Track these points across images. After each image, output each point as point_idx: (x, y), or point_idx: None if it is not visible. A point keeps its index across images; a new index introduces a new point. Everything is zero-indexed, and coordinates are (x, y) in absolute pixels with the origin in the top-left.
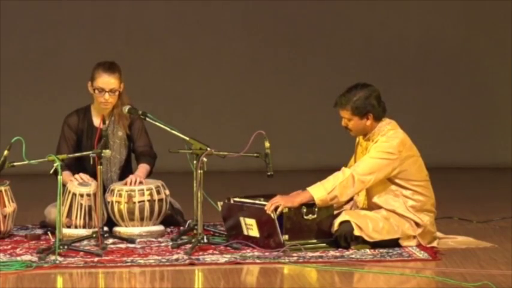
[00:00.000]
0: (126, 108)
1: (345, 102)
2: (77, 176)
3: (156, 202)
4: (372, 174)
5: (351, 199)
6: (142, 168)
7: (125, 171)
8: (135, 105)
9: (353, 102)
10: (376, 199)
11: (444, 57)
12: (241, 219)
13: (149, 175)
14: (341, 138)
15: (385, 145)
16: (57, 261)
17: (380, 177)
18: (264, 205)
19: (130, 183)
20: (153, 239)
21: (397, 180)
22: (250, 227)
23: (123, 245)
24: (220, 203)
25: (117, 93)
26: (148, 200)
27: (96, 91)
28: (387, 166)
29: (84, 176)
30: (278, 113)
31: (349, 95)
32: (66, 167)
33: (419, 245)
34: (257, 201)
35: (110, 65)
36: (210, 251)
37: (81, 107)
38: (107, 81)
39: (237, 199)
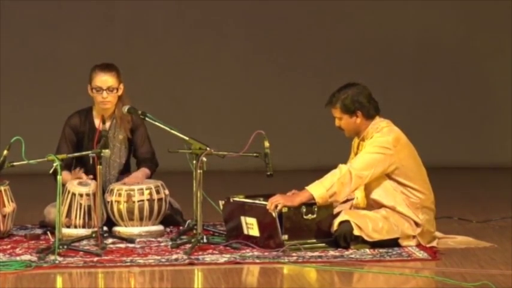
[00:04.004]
0: (125, 108)
1: (335, 101)
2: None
3: (156, 202)
4: (368, 169)
5: (350, 200)
6: (143, 171)
7: (124, 176)
8: (135, 105)
9: (342, 100)
10: (375, 196)
11: (444, 57)
12: (242, 218)
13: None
14: (341, 138)
15: (380, 140)
16: (57, 261)
17: (377, 173)
18: (265, 205)
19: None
20: (153, 239)
21: (395, 177)
22: (251, 226)
23: (122, 245)
24: (221, 202)
25: (115, 91)
26: (148, 200)
27: (94, 90)
28: (383, 161)
29: (82, 175)
30: (278, 113)
31: (339, 94)
32: (65, 168)
33: (418, 245)
34: (257, 201)
35: (107, 64)
36: (210, 251)
37: (83, 108)
38: (105, 79)
39: (236, 199)
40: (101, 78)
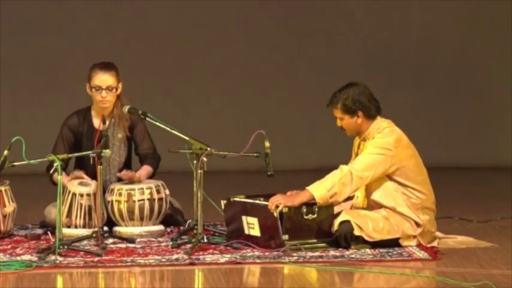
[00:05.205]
0: (126, 108)
1: (336, 101)
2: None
3: (156, 201)
4: (369, 170)
5: (350, 198)
6: (144, 169)
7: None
8: (135, 105)
9: (342, 100)
10: (375, 197)
11: (444, 57)
12: (244, 218)
13: (152, 177)
14: (341, 138)
15: (381, 141)
16: (57, 261)
17: (378, 174)
18: (266, 204)
19: (128, 179)
20: (153, 239)
21: (396, 178)
22: (252, 226)
23: (123, 245)
24: (223, 201)
25: (114, 90)
26: (148, 199)
27: (94, 89)
28: (384, 162)
29: (80, 174)
30: (278, 113)
31: (340, 94)
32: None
33: (419, 245)
34: (257, 201)
35: (106, 63)
36: (210, 251)
37: (81, 108)
38: (104, 78)
39: (237, 199)
40: (100, 77)
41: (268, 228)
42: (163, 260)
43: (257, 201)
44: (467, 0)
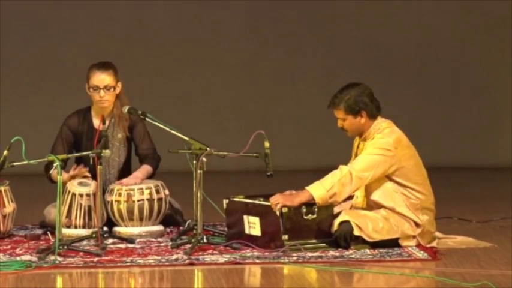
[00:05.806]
0: (125, 108)
1: (338, 102)
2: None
3: (156, 201)
4: (369, 170)
5: (350, 198)
6: (144, 169)
7: (124, 174)
8: (134, 105)
9: (345, 101)
10: (375, 197)
11: (444, 57)
12: (245, 217)
13: (151, 177)
14: (341, 138)
15: (381, 141)
16: (57, 261)
17: (378, 174)
18: (268, 204)
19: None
20: (153, 239)
21: (395, 178)
22: (253, 226)
23: (122, 245)
24: (226, 201)
25: (112, 90)
26: (148, 199)
27: (92, 89)
28: (384, 162)
29: (83, 169)
30: (278, 113)
31: (341, 94)
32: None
33: (419, 245)
34: (257, 201)
35: (104, 63)
36: (210, 251)
37: (81, 108)
38: (102, 78)
39: (236, 199)
40: (98, 77)
41: (270, 227)
42: (163, 260)
43: (256, 201)
44: (467, 0)
